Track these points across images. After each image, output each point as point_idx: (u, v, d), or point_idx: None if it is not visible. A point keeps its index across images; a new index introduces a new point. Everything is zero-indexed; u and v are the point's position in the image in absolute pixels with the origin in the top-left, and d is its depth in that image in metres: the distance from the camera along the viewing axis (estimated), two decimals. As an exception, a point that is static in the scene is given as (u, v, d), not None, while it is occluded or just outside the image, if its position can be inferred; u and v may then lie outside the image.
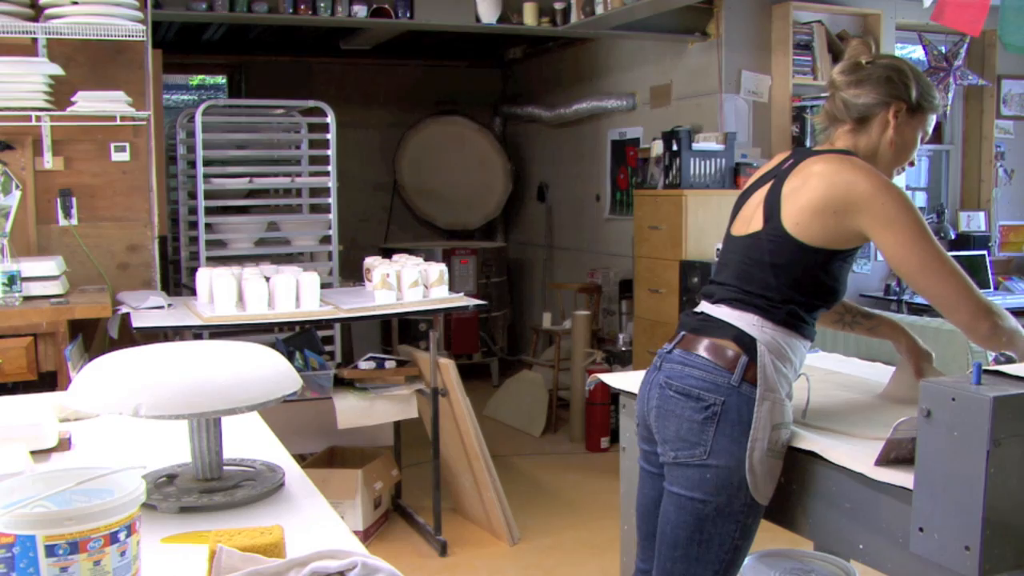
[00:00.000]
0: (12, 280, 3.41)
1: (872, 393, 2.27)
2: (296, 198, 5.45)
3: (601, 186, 6.67)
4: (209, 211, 4.84)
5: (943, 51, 5.81)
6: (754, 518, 1.93)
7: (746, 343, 1.89)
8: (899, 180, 5.79)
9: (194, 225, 4.99)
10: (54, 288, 3.56)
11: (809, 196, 1.89)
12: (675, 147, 4.90)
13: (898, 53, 5.83)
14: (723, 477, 1.87)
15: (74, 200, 4.02)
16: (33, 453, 1.58)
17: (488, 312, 6.97)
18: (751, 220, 1.99)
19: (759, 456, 1.86)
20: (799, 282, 1.92)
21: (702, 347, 1.92)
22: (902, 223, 1.85)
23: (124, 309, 3.57)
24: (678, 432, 1.91)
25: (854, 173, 1.88)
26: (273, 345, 3.87)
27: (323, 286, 3.86)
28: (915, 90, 1.99)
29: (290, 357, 3.84)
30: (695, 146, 4.91)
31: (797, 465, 1.92)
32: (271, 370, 1.52)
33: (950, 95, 5.86)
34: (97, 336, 3.84)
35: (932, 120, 2.03)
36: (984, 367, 1.55)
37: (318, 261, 5.25)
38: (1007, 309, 5.90)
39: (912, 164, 2.07)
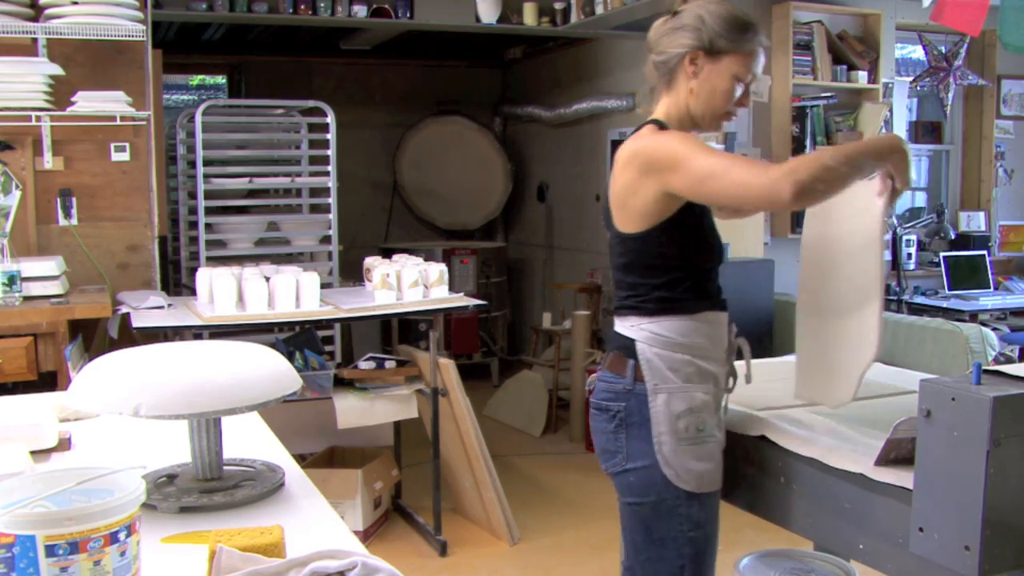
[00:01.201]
0: (12, 280, 3.41)
1: (871, 393, 2.27)
2: (296, 198, 5.45)
3: (601, 186, 6.66)
4: (209, 211, 4.84)
5: (943, 51, 5.81)
6: (699, 507, 1.92)
7: (628, 346, 1.94)
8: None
9: (194, 225, 4.99)
10: (54, 288, 3.56)
11: (614, 191, 1.97)
12: (675, 147, 4.89)
13: (898, 53, 5.84)
14: (644, 478, 1.91)
15: (74, 200, 4.02)
16: (33, 453, 1.58)
17: (488, 312, 6.97)
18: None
19: (669, 449, 1.88)
20: (653, 268, 1.94)
21: (605, 362, 2.01)
22: (676, 160, 1.82)
23: (124, 309, 3.57)
24: (600, 445, 2.01)
25: (626, 152, 1.93)
26: (273, 345, 3.87)
27: (323, 286, 3.86)
28: (708, 32, 1.89)
29: (290, 357, 3.84)
30: (695, 146, 4.91)
31: (797, 465, 1.92)
32: (271, 370, 1.52)
33: (950, 95, 5.86)
34: (97, 336, 3.84)
35: (747, 61, 1.91)
36: (984, 367, 1.55)
37: (318, 261, 5.25)
38: (1007, 309, 5.87)
39: (734, 114, 1.97)
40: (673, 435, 1.88)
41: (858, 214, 1.94)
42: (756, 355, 2.16)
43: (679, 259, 1.93)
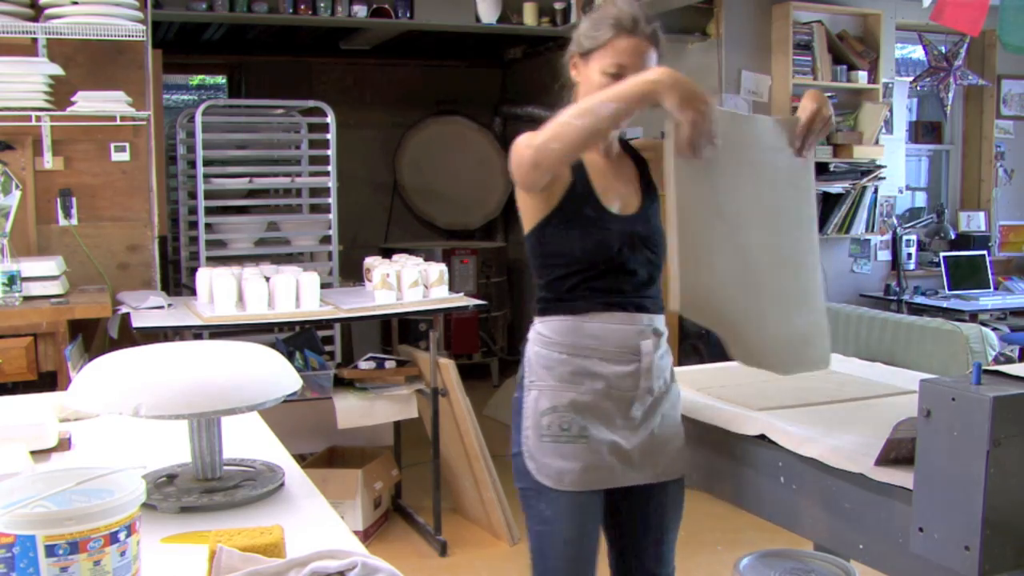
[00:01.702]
0: (12, 280, 3.41)
1: (871, 393, 2.27)
2: (296, 198, 5.45)
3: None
4: (209, 211, 4.84)
5: (943, 51, 5.81)
6: (547, 504, 1.94)
7: (527, 344, 2.01)
8: (898, 179, 5.80)
9: (194, 225, 4.98)
10: (54, 288, 3.56)
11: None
12: (675, 147, 4.89)
13: (898, 53, 5.85)
14: (517, 465, 1.98)
15: (74, 200, 4.02)
16: (33, 453, 1.58)
17: (488, 312, 6.96)
18: None
19: (532, 442, 1.93)
20: (540, 268, 1.98)
21: None
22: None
23: (124, 309, 3.57)
24: None
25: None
26: (273, 345, 3.87)
27: (323, 286, 3.86)
28: (578, 35, 1.94)
29: (290, 357, 3.84)
30: (695, 146, 4.90)
31: (797, 466, 1.92)
32: (271, 370, 1.52)
33: (950, 95, 5.86)
34: (97, 336, 3.84)
35: (607, 52, 1.87)
36: (984, 367, 1.55)
37: (318, 261, 5.25)
38: (1007, 309, 5.88)
39: None
40: (536, 430, 1.93)
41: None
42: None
43: (562, 257, 1.92)
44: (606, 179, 1.97)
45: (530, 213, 1.95)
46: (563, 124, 1.72)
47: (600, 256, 1.90)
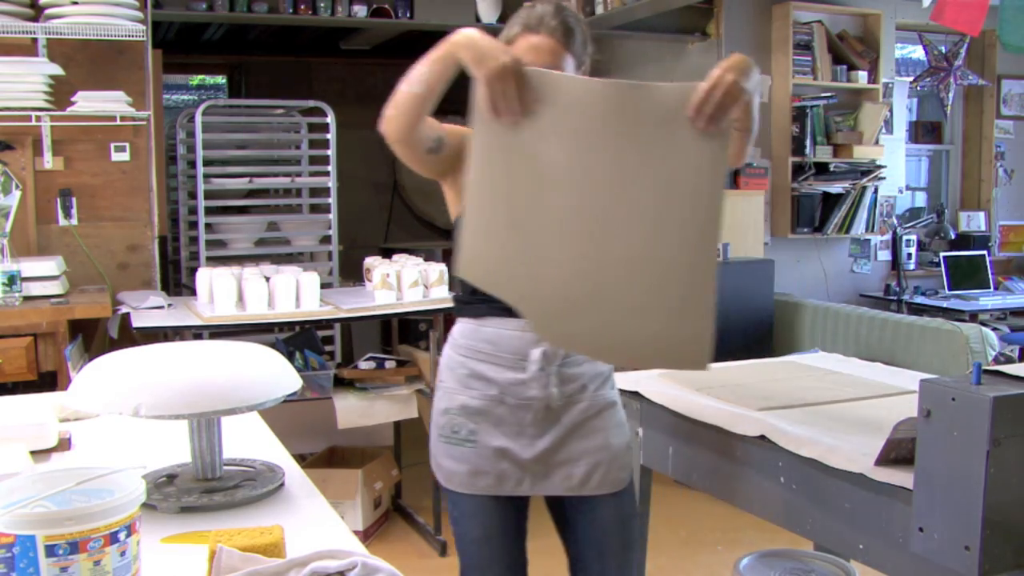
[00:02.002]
0: (12, 280, 3.41)
1: (871, 393, 2.27)
2: (296, 198, 5.45)
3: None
4: (209, 211, 4.84)
5: (943, 51, 5.81)
6: (453, 504, 1.95)
7: None
8: (898, 179, 5.80)
9: (194, 225, 4.99)
10: (54, 288, 3.56)
11: None
12: (675, 147, 4.89)
13: (898, 53, 5.85)
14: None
15: (74, 200, 4.02)
16: (33, 453, 1.58)
17: (488, 312, 6.95)
18: None
19: (433, 441, 1.96)
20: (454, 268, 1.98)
21: None
22: None
23: (124, 309, 3.57)
24: None
25: None
26: (273, 345, 3.87)
27: (323, 286, 3.86)
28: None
29: (290, 357, 3.84)
30: (695, 146, 4.91)
31: (797, 466, 1.92)
32: (271, 370, 1.52)
33: (950, 95, 5.86)
34: (97, 336, 3.85)
35: (515, 45, 1.82)
36: (984, 367, 1.55)
37: (318, 261, 5.25)
38: (1007, 309, 5.86)
39: None
40: (435, 429, 1.95)
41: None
42: (756, 355, 2.16)
43: None
44: None
45: (451, 208, 1.97)
46: (396, 92, 1.71)
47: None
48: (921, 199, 6.46)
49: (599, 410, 1.93)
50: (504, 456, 1.89)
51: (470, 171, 1.64)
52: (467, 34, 1.62)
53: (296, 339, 4.20)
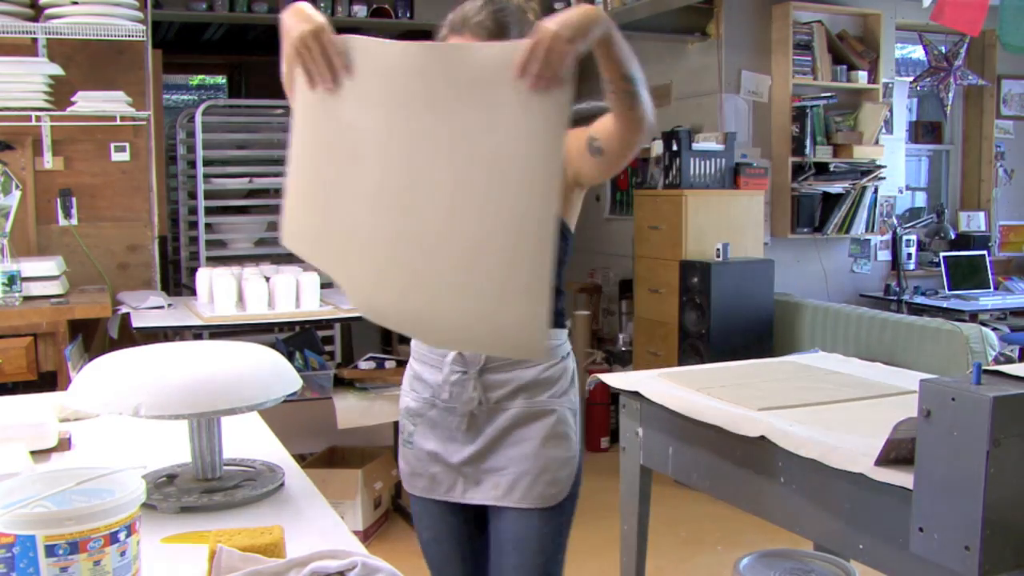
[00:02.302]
0: (12, 280, 3.41)
1: (871, 393, 2.27)
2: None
3: (601, 186, 6.67)
4: (209, 211, 4.84)
5: (943, 51, 5.81)
6: (412, 504, 1.96)
7: None
8: (898, 179, 5.80)
9: (194, 225, 4.99)
10: (54, 288, 3.56)
11: None
12: (675, 147, 4.90)
13: (898, 53, 5.85)
14: None
15: (74, 200, 4.02)
16: (33, 453, 1.58)
17: (488, 312, 6.95)
18: None
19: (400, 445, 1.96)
20: None
21: None
22: None
23: (124, 309, 3.57)
24: None
25: None
26: (273, 345, 3.87)
27: (323, 286, 3.86)
28: None
29: (290, 357, 3.84)
30: (695, 146, 4.92)
31: (797, 466, 1.92)
32: (271, 370, 1.52)
33: (950, 95, 5.86)
34: (97, 336, 3.85)
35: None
36: (984, 367, 1.55)
37: (318, 261, 5.23)
38: (1007, 309, 5.84)
39: None
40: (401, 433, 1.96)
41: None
42: (756, 355, 2.15)
43: None
44: None
45: None
46: None
47: None
48: (921, 199, 6.46)
49: (531, 418, 1.81)
50: (436, 460, 1.86)
51: (292, 140, 1.56)
52: (291, 7, 1.49)
53: (296, 339, 4.20)
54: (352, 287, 1.60)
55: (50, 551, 0.98)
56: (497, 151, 1.38)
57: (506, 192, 1.38)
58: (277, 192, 5.68)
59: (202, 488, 1.47)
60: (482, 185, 1.40)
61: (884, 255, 5.79)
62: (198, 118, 4.72)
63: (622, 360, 5.65)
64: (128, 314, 3.51)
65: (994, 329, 4.53)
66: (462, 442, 1.84)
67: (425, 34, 6.42)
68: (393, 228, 1.48)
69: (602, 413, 5.39)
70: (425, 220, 1.44)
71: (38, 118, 3.76)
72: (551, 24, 1.35)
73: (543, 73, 1.32)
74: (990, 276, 5.70)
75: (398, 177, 1.45)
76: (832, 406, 2.16)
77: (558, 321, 1.85)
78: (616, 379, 2.50)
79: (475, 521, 1.91)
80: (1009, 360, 4.66)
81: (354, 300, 1.65)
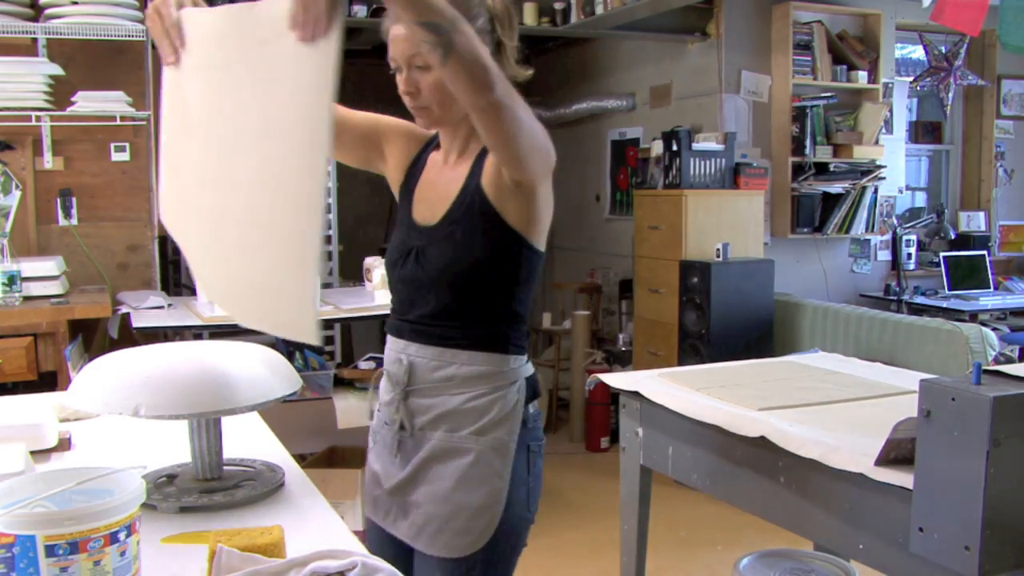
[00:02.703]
0: (12, 280, 3.41)
1: (871, 393, 2.27)
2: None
3: (601, 186, 6.67)
4: (209, 211, 4.84)
5: (943, 51, 5.81)
6: (366, 525, 1.85)
7: None
8: (898, 179, 5.81)
9: (194, 225, 4.98)
10: (54, 288, 3.56)
11: None
12: (675, 147, 4.90)
13: (898, 53, 5.85)
14: None
15: (74, 200, 4.02)
16: (33, 453, 1.58)
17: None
18: None
19: None
20: None
21: None
22: None
23: (124, 309, 3.57)
24: None
25: None
26: (273, 345, 3.87)
27: (323, 286, 3.86)
28: None
29: (290, 357, 3.84)
30: (695, 146, 4.92)
31: (797, 466, 1.92)
32: (271, 370, 1.52)
33: (950, 95, 5.86)
34: (97, 336, 3.84)
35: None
36: (984, 367, 1.55)
37: (318, 261, 5.23)
38: (1007, 309, 5.85)
39: (411, 103, 1.66)
40: None
41: None
42: (756, 355, 2.15)
43: None
44: (428, 183, 1.72)
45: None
46: None
47: (388, 268, 1.74)
48: (921, 199, 6.46)
49: (447, 454, 1.64)
50: (376, 482, 1.76)
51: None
52: None
53: (296, 339, 4.20)
54: (195, 263, 1.52)
55: (50, 551, 0.98)
56: (273, 114, 1.31)
57: (284, 150, 1.30)
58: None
59: (202, 488, 1.47)
60: (259, 151, 1.34)
61: (884, 255, 5.79)
62: (198, 118, 4.72)
63: (622, 360, 5.65)
64: (128, 314, 3.51)
65: (994, 329, 4.53)
66: (396, 467, 1.71)
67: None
68: (212, 199, 1.43)
69: (602, 413, 5.39)
70: (230, 190, 1.39)
71: (38, 118, 3.76)
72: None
73: (307, 20, 1.22)
74: (990, 276, 5.70)
75: (210, 148, 1.42)
76: (832, 406, 2.16)
77: (506, 345, 1.65)
78: (616, 379, 2.50)
79: (407, 555, 1.71)
80: (1009, 360, 4.66)
81: (197, 277, 1.58)
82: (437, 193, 1.68)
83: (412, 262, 1.66)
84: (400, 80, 1.61)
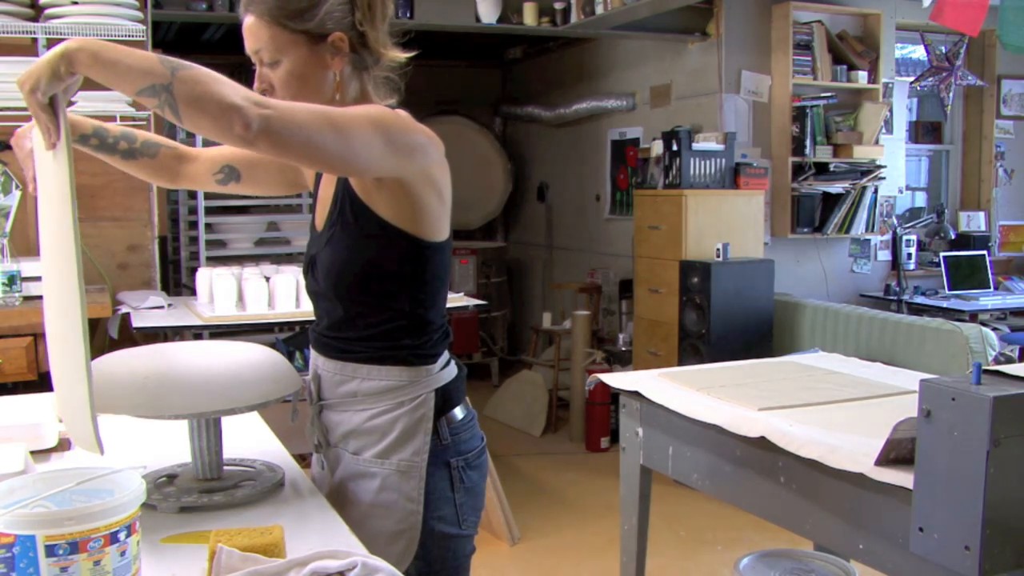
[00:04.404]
0: (12, 280, 3.41)
1: (871, 393, 2.27)
2: (296, 198, 5.45)
3: (601, 186, 6.67)
4: (209, 211, 4.84)
5: (943, 51, 5.81)
6: None
7: None
8: (898, 179, 5.80)
9: (194, 225, 4.99)
10: (54, 288, 3.56)
11: None
12: (675, 147, 4.90)
13: (898, 53, 5.85)
14: None
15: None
16: (33, 453, 1.58)
17: (488, 312, 6.96)
18: None
19: None
20: None
21: None
22: None
23: (124, 309, 3.57)
24: None
25: None
26: (273, 345, 3.87)
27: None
28: None
29: (290, 357, 3.84)
30: (695, 146, 4.92)
31: (796, 466, 1.92)
32: (271, 370, 1.52)
33: (951, 95, 5.86)
34: (97, 336, 3.84)
35: None
36: (984, 367, 1.55)
37: (318, 261, 5.23)
38: (1007, 309, 5.84)
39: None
40: None
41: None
42: (756, 355, 2.14)
43: None
44: (324, 186, 1.60)
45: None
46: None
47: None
48: (921, 199, 6.46)
49: (356, 478, 1.56)
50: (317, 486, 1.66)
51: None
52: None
53: (296, 339, 4.20)
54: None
55: (50, 551, 0.98)
56: (48, 219, 1.37)
57: (52, 258, 1.34)
58: (277, 192, 5.68)
59: (202, 488, 1.47)
60: (49, 255, 1.35)
61: (884, 255, 5.79)
62: (198, 118, 4.71)
63: (622, 360, 5.65)
64: (128, 314, 3.51)
65: (994, 329, 4.53)
66: (324, 480, 1.63)
67: (425, 35, 6.42)
68: (52, 320, 1.38)
69: (602, 413, 5.39)
70: (58, 309, 1.33)
71: (38, 118, 3.76)
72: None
73: (43, 133, 1.32)
74: (990, 276, 5.70)
75: (48, 260, 1.40)
76: (832, 406, 2.16)
77: (408, 357, 1.53)
78: (616, 379, 2.51)
79: None
80: (1009, 360, 4.66)
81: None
82: (324, 196, 1.59)
83: (310, 272, 1.58)
84: (256, 77, 1.51)
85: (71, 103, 3.77)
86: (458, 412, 1.59)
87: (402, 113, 1.47)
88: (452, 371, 1.60)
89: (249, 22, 1.48)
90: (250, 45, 1.49)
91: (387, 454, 1.52)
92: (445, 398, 1.56)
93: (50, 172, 1.32)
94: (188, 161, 1.69)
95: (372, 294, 1.51)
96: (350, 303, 1.52)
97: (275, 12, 1.46)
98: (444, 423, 1.55)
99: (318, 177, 1.63)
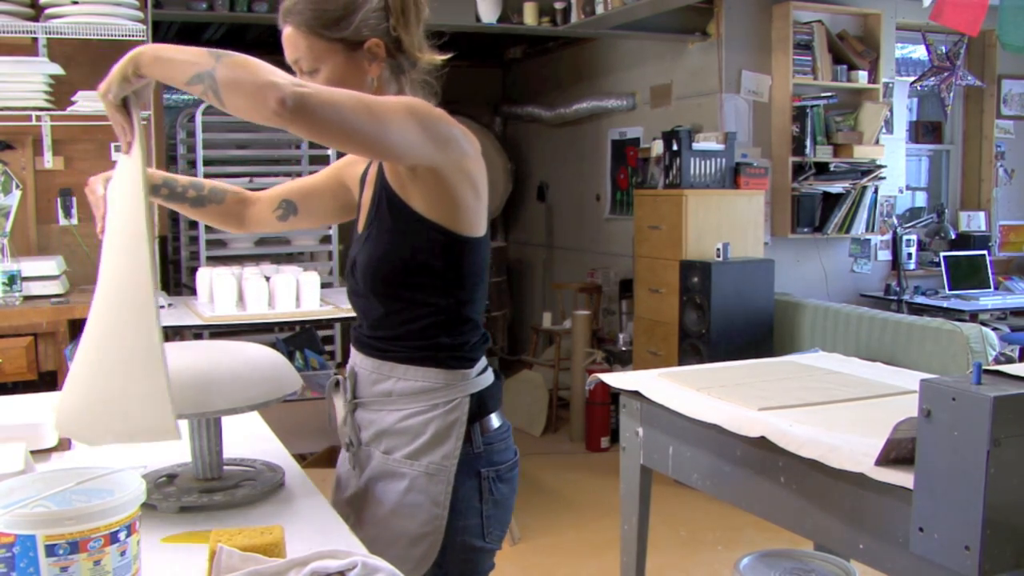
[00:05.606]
0: (12, 280, 3.41)
1: (871, 393, 2.27)
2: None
3: (601, 186, 6.67)
4: (209, 211, 4.84)
5: (944, 51, 5.81)
6: None
7: None
8: (898, 179, 5.80)
9: (194, 225, 4.99)
10: (54, 288, 3.56)
11: None
12: (675, 147, 4.90)
13: (898, 53, 5.85)
14: None
15: (74, 200, 4.02)
16: (33, 453, 1.58)
17: (488, 312, 6.96)
18: None
19: None
20: None
21: None
22: None
23: (124, 309, 3.57)
24: None
25: None
26: (273, 345, 3.87)
27: (323, 286, 3.86)
28: None
29: (290, 357, 3.84)
30: (695, 146, 4.92)
31: (797, 466, 1.92)
32: (271, 370, 1.52)
33: (951, 95, 5.86)
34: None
35: None
36: (984, 367, 1.55)
37: (318, 261, 5.24)
38: (1007, 309, 5.85)
39: None
40: None
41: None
42: (756, 355, 2.14)
43: None
44: (367, 191, 1.63)
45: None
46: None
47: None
48: (921, 199, 6.46)
49: (386, 477, 1.57)
50: (338, 486, 1.69)
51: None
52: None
53: (296, 339, 4.20)
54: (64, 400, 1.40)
55: (50, 551, 0.98)
56: (116, 218, 1.39)
57: (116, 254, 1.37)
58: (277, 192, 5.68)
59: (202, 488, 1.47)
60: (131, 256, 1.36)
61: (884, 255, 5.79)
62: (198, 118, 4.72)
63: (622, 360, 5.65)
64: (128, 314, 3.51)
65: (994, 329, 4.53)
66: (353, 478, 1.65)
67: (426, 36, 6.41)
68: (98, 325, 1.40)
69: (602, 413, 5.39)
70: (112, 311, 1.37)
71: (38, 118, 3.76)
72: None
73: (119, 136, 1.35)
74: (990, 276, 5.70)
75: (108, 263, 1.40)
76: (832, 406, 2.16)
77: (446, 358, 1.54)
78: (616, 379, 2.50)
79: None
80: (1009, 360, 4.66)
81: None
82: (365, 200, 1.62)
83: (350, 273, 1.60)
84: None
85: (72, 103, 3.77)
86: (494, 420, 1.59)
87: (437, 108, 1.49)
88: (489, 377, 1.59)
89: (287, 32, 1.52)
90: (289, 55, 1.53)
91: (418, 455, 1.52)
92: (480, 404, 1.55)
93: (125, 172, 1.39)
94: (251, 204, 1.77)
95: (408, 288, 1.51)
96: (387, 299, 1.53)
97: (312, 22, 1.49)
98: (478, 430, 1.55)
99: (362, 186, 1.66)
